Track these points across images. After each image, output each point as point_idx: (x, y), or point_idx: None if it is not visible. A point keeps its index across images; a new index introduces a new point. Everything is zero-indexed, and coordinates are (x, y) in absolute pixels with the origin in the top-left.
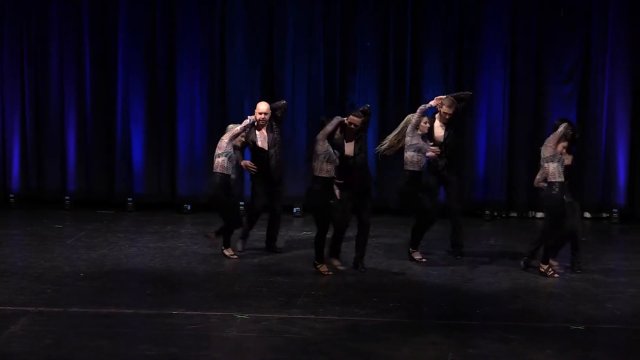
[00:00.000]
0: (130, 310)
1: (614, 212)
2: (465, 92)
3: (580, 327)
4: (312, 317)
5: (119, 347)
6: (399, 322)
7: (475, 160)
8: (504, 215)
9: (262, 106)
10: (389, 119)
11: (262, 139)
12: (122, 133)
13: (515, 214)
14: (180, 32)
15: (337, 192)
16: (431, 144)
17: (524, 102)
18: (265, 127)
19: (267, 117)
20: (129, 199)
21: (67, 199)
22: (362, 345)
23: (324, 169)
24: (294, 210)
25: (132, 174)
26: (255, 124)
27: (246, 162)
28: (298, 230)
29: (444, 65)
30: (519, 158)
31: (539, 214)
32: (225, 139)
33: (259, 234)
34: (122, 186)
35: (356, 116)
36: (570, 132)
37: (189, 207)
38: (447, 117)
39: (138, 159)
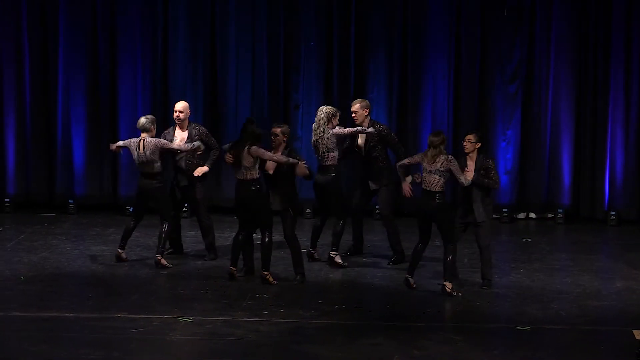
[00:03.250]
0: (71, 314)
1: (559, 212)
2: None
3: (526, 328)
4: (257, 319)
5: (60, 351)
6: (343, 324)
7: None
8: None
9: (178, 105)
10: None
11: (179, 139)
12: (63, 134)
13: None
14: (121, 31)
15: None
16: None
17: (468, 102)
18: (184, 127)
19: (181, 115)
20: (70, 201)
21: (6, 202)
22: (307, 347)
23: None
24: None
25: (73, 176)
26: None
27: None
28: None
29: (389, 64)
30: (464, 158)
31: None
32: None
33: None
34: (63, 188)
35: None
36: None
37: (131, 209)
38: (353, 117)
39: (79, 160)
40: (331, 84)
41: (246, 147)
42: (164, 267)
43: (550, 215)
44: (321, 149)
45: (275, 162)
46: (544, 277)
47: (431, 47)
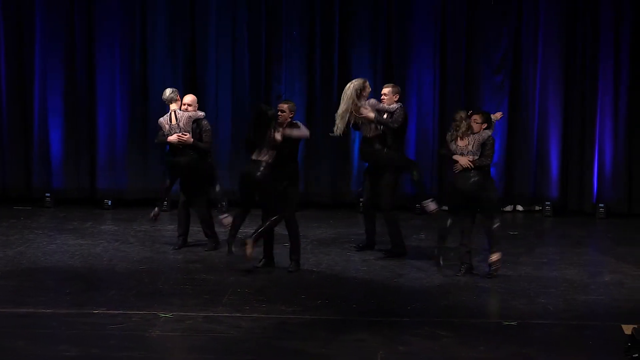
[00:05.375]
0: (48, 310)
1: (547, 205)
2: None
3: (512, 323)
4: (238, 315)
5: (37, 348)
6: (327, 320)
7: (405, 152)
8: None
9: (187, 98)
10: (316, 110)
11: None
12: (40, 126)
13: (446, 207)
14: (99, 21)
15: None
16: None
17: (454, 92)
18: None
19: (190, 108)
20: (46, 194)
21: None
22: (290, 343)
23: None
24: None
25: (50, 168)
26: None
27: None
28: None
29: (373, 55)
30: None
31: None
32: None
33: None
34: (39, 181)
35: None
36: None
37: (109, 203)
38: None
39: (56, 152)
40: (314, 74)
41: (273, 129)
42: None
43: (537, 208)
44: (362, 123)
45: (302, 137)
46: (531, 271)
47: (416, 37)
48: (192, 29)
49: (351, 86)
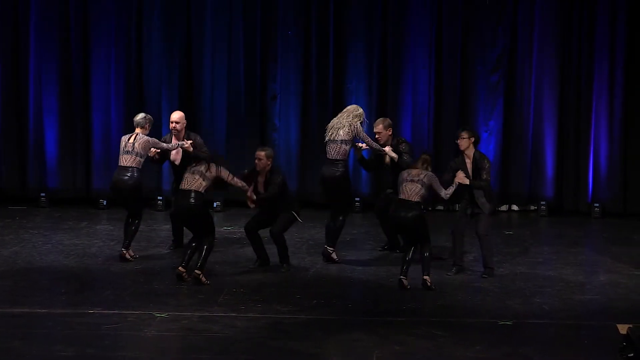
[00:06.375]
0: (43, 310)
1: (542, 205)
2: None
3: (508, 322)
4: (233, 315)
5: (32, 348)
6: (322, 319)
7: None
8: (430, 209)
9: (174, 115)
10: (312, 110)
11: (176, 150)
12: (35, 125)
13: (441, 207)
14: (94, 21)
15: None
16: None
17: (449, 92)
18: (181, 137)
19: (177, 126)
20: (42, 194)
21: None
22: (285, 343)
23: None
24: (214, 205)
25: (45, 168)
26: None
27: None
28: (218, 226)
29: (368, 54)
30: (445, 148)
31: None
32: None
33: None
34: (34, 181)
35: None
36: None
37: (104, 202)
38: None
39: (51, 152)
40: (309, 74)
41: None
42: (127, 260)
43: (533, 208)
44: (338, 138)
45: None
46: (526, 271)
47: (411, 36)
48: (188, 29)
49: (358, 112)
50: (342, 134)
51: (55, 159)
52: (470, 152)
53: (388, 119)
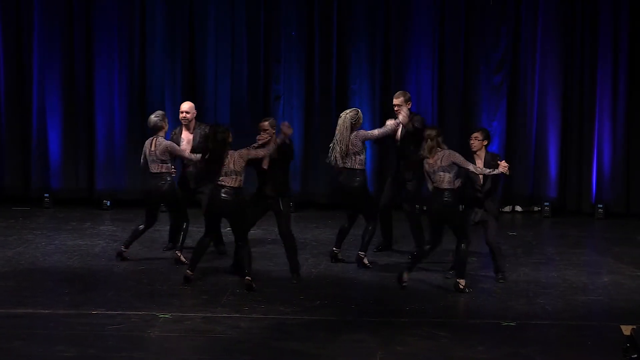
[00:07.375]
0: (46, 311)
1: (545, 205)
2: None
3: (511, 323)
4: (237, 315)
5: (35, 348)
6: (326, 320)
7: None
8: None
9: (184, 105)
10: (314, 110)
11: (186, 141)
12: (38, 126)
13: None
14: (98, 21)
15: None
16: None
17: (452, 93)
18: (191, 128)
19: (188, 115)
20: (45, 195)
21: None
22: (288, 344)
23: None
24: None
25: (49, 169)
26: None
27: None
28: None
29: (371, 54)
30: (448, 148)
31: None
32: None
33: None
34: (38, 181)
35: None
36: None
37: (108, 203)
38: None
39: (55, 152)
40: (313, 74)
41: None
42: (183, 263)
43: (536, 209)
44: (349, 153)
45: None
46: (529, 272)
47: (415, 37)
48: (191, 29)
49: (347, 117)
50: (352, 147)
51: (59, 159)
52: (482, 153)
53: (408, 93)
